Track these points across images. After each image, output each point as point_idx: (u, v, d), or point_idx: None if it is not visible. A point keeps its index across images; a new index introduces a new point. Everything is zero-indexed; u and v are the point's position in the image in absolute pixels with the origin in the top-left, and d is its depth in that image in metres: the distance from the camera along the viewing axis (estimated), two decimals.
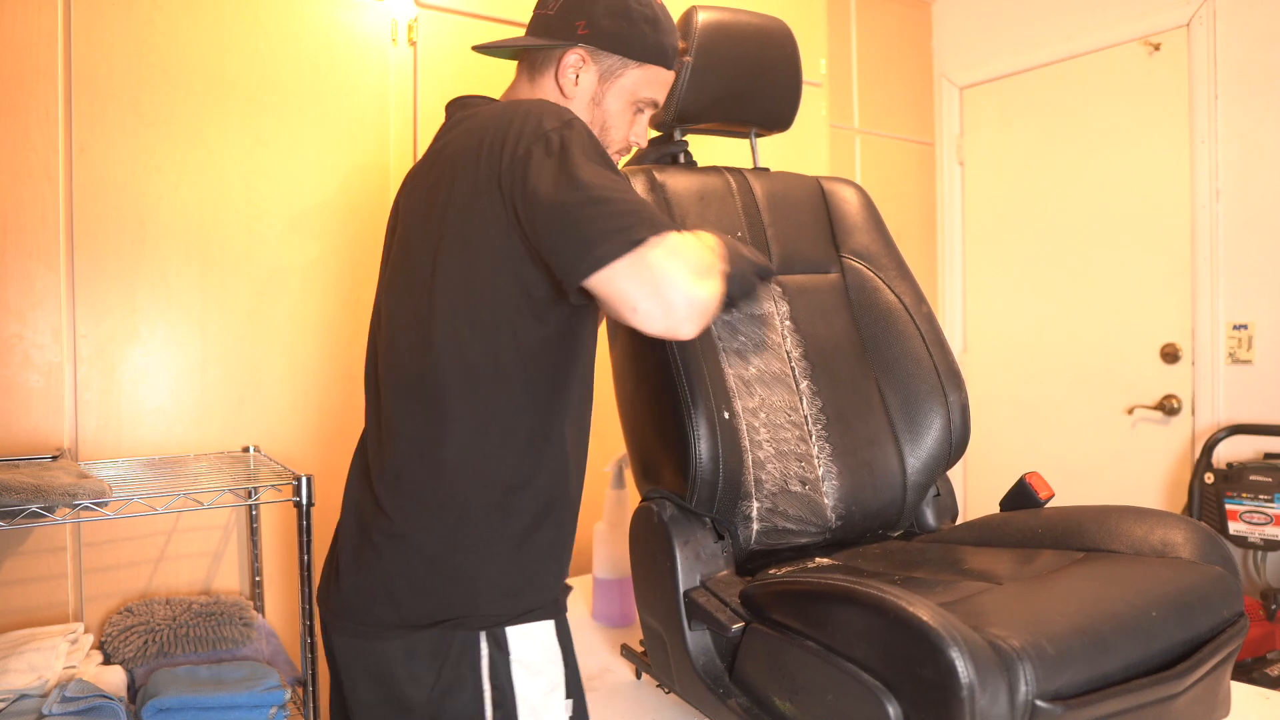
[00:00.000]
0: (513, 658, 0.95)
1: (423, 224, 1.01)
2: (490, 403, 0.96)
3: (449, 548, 0.96)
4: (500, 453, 0.97)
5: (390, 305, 1.05)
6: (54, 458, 1.50)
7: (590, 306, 1.02)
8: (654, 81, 1.14)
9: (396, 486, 0.99)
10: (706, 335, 1.27)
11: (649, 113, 1.17)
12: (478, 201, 0.95)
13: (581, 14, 1.08)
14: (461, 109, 1.12)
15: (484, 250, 0.95)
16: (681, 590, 1.18)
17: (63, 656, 1.34)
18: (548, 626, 0.99)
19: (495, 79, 1.36)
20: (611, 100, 1.12)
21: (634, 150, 1.19)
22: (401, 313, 1.02)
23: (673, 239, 0.93)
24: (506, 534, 0.97)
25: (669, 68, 1.14)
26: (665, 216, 0.95)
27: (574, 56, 1.09)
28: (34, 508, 1.18)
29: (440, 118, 1.54)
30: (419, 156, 1.47)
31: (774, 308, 1.38)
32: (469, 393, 0.96)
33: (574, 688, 1.00)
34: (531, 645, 0.97)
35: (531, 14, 1.15)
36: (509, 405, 0.97)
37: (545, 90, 1.12)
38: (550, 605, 1.00)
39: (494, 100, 1.13)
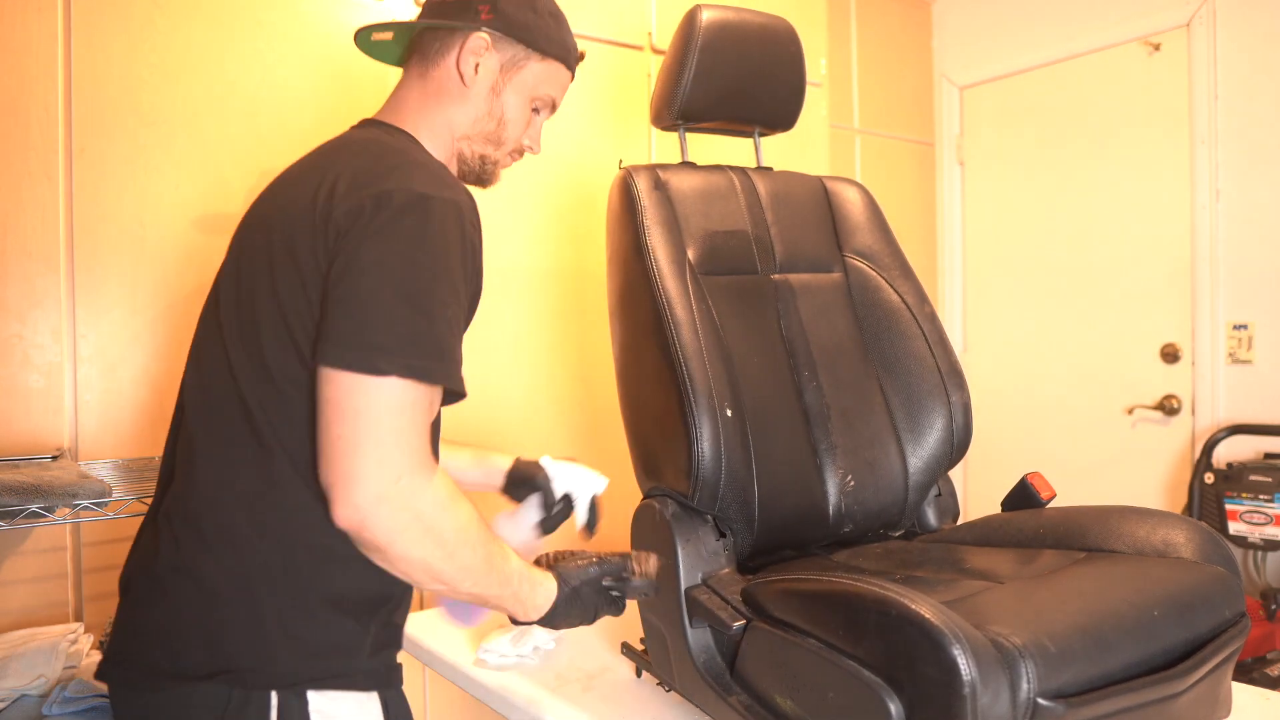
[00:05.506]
0: None
1: (273, 234, 0.93)
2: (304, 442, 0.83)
3: (235, 584, 0.81)
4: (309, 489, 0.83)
5: (222, 323, 0.92)
6: (54, 458, 1.50)
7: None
8: (555, 79, 1.07)
9: (188, 515, 0.86)
10: (710, 333, 1.27)
11: (545, 115, 1.11)
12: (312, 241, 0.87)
13: None
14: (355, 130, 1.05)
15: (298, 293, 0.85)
16: (683, 588, 1.17)
17: (63, 656, 1.34)
18: (370, 699, 0.84)
19: None
20: (511, 93, 1.04)
21: (524, 156, 1.11)
22: (220, 338, 0.91)
23: (415, 396, 0.78)
24: (313, 576, 0.83)
25: (570, 68, 1.09)
26: (460, 378, 0.84)
27: (478, 41, 1.00)
28: (34, 508, 1.18)
29: None
30: None
31: (777, 306, 1.38)
32: (284, 426, 0.84)
33: None
34: (344, 714, 0.82)
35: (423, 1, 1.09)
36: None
37: (441, 79, 1.02)
38: (369, 674, 0.85)
39: (391, 130, 1.02)
